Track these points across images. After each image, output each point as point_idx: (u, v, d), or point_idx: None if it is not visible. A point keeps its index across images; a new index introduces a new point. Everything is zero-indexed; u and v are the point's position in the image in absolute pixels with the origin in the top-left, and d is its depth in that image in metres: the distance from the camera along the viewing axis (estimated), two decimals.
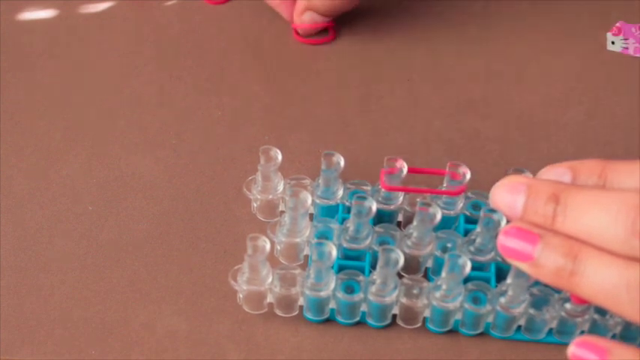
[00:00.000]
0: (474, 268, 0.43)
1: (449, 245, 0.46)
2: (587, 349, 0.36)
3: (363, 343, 0.46)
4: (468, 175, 0.45)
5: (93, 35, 0.60)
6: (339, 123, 0.55)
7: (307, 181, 0.48)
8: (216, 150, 0.54)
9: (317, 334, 0.46)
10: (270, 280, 0.44)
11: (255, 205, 0.49)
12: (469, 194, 0.48)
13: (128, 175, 0.52)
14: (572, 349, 0.37)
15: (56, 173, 0.52)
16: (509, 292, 0.43)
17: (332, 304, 0.45)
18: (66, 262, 0.48)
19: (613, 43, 0.60)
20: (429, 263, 0.46)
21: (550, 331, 0.45)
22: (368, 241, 0.45)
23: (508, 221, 0.41)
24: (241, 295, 0.45)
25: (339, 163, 0.46)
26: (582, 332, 0.44)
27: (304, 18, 0.58)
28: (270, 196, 0.48)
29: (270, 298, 0.45)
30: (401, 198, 0.47)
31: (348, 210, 0.46)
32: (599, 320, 0.43)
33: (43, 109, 0.56)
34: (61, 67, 0.58)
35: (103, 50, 0.59)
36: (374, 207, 0.44)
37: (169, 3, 0.62)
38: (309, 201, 0.45)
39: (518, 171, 0.46)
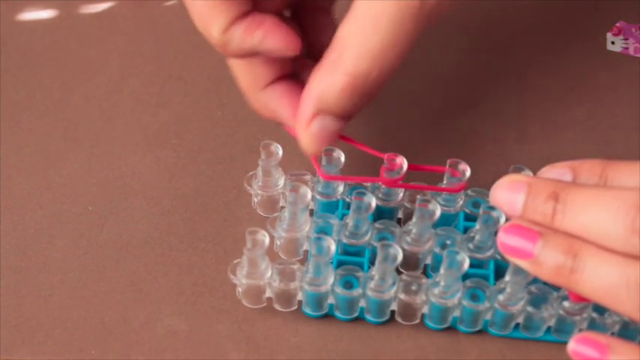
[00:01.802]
0: (472, 266, 0.43)
1: (448, 242, 0.46)
2: (588, 346, 0.36)
3: (363, 343, 0.46)
4: (468, 173, 0.45)
5: (93, 35, 0.60)
6: None
7: (308, 177, 0.48)
8: (216, 150, 0.54)
9: (317, 334, 0.46)
10: (269, 274, 0.44)
11: (255, 200, 0.49)
12: (469, 192, 0.48)
13: (128, 175, 0.52)
14: (572, 346, 0.37)
15: (56, 173, 0.52)
16: (508, 290, 0.43)
17: (331, 300, 0.45)
18: (66, 262, 0.48)
19: (613, 43, 0.60)
20: (429, 260, 0.46)
21: (548, 329, 0.45)
22: (367, 237, 0.45)
23: (507, 219, 0.41)
24: (240, 290, 0.45)
25: (339, 159, 0.46)
26: (581, 331, 0.44)
27: (313, 128, 0.42)
28: (271, 192, 0.48)
29: (269, 293, 0.45)
30: (401, 194, 0.47)
31: (348, 206, 0.46)
32: (598, 319, 0.43)
33: (43, 109, 0.56)
34: (61, 67, 0.58)
35: (103, 50, 0.59)
36: (373, 203, 0.44)
37: (169, 3, 0.62)
38: (309, 196, 0.45)
39: (518, 169, 0.46)
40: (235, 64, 0.45)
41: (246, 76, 0.45)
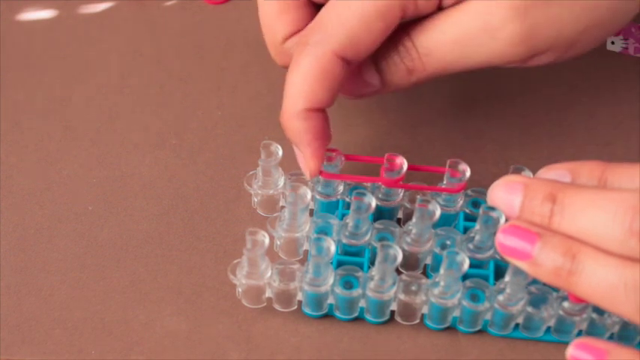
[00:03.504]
0: (472, 266, 0.43)
1: (448, 242, 0.46)
2: (586, 351, 0.36)
3: (363, 343, 0.46)
4: (468, 173, 0.45)
5: (93, 35, 0.60)
6: (339, 123, 0.55)
7: None
8: (216, 150, 0.54)
9: (317, 334, 0.46)
10: (269, 274, 0.44)
11: (255, 200, 0.49)
12: (469, 192, 0.48)
13: (128, 175, 0.52)
14: (570, 351, 0.37)
15: (56, 173, 0.52)
16: (508, 290, 0.43)
17: (330, 300, 0.45)
18: (66, 262, 0.48)
19: (613, 43, 0.60)
20: (428, 260, 0.47)
21: (548, 329, 0.45)
22: (367, 237, 0.45)
23: (507, 219, 0.41)
24: (240, 290, 0.45)
25: (339, 159, 0.46)
26: (580, 331, 0.44)
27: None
28: (271, 192, 0.48)
29: (269, 293, 0.45)
30: (401, 194, 0.47)
31: (348, 206, 0.46)
32: (597, 319, 0.43)
33: (43, 109, 0.56)
34: (61, 67, 0.58)
35: (103, 50, 0.59)
36: (373, 203, 0.44)
37: (169, 3, 0.62)
38: (309, 196, 0.45)
39: (519, 169, 0.46)
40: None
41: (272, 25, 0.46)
